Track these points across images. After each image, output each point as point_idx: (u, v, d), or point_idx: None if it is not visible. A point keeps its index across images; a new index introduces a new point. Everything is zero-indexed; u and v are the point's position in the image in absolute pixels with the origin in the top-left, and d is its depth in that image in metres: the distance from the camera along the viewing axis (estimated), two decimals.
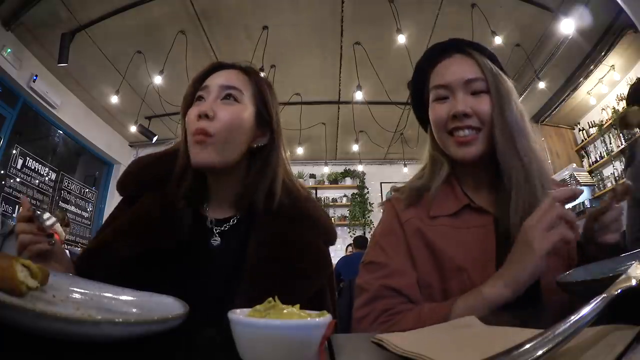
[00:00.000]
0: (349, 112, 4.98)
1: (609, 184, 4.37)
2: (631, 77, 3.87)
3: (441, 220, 0.73)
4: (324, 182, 6.64)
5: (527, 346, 0.26)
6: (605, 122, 4.43)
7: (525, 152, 0.70)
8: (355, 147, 5.75)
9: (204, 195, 0.81)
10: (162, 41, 3.84)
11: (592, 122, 4.74)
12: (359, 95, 4.21)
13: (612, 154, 4.33)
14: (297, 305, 0.36)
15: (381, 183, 6.59)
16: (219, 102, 0.74)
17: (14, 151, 4.01)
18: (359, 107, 4.71)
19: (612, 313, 0.31)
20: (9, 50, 3.54)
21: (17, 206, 3.91)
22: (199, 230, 0.76)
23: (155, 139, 5.04)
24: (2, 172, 3.86)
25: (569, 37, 3.58)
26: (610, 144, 4.42)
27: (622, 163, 4.04)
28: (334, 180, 6.66)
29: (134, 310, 0.50)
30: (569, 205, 0.60)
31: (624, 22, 3.31)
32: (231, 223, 0.78)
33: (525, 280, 0.56)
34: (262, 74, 0.88)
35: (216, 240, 0.76)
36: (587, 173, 4.72)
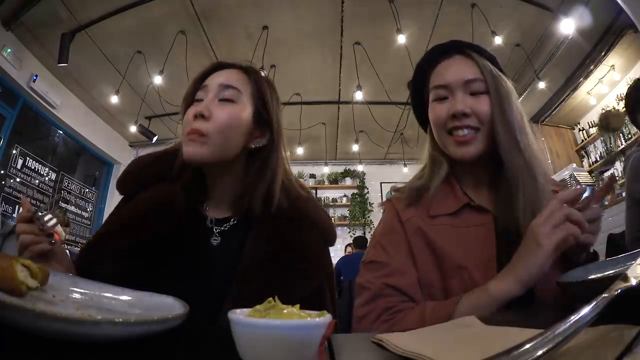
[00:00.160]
0: (349, 112, 4.98)
1: None
2: (631, 77, 3.87)
3: (441, 219, 0.74)
4: (324, 182, 6.64)
5: (527, 346, 0.26)
6: None
7: (526, 149, 0.71)
8: (355, 147, 5.76)
9: (203, 194, 0.81)
10: (162, 41, 3.84)
11: (592, 122, 4.74)
12: (359, 95, 4.21)
13: (612, 154, 4.33)
14: (297, 305, 0.36)
15: (381, 183, 6.59)
16: (216, 102, 0.74)
17: (14, 151, 4.01)
18: (359, 107, 4.72)
19: (612, 313, 0.31)
20: (9, 50, 3.54)
21: (17, 206, 3.91)
22: (199, 230, 0.76)
23: (155, 139, 5.05)
24: (2, 172, 3.86)
25: (569, 37, 3.58)
26: (611, 144, 4.42)
27: (621, 163, 4.04)
28: (334, 180, 6.66)
29: (134, 310, 0.50)
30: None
31: (624, 22, 3.31)
32: (231, 223, 0.78)
33: (533, 276, 0.56)
34: (263, 74, 0.87)
35: (216, 240, 0.76)
36: (587, 173, 4.72)
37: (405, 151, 5.79)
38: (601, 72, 4.09)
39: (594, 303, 0.31)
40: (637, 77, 3.69)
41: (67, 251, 0.73)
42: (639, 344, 0.27)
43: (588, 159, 4.90)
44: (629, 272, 0.35)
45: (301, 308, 0.36)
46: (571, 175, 4.46)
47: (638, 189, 1.55)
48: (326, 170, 6.50)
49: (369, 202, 6.44)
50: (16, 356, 0.33)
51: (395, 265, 0.72)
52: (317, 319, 0.33)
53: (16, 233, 0.65)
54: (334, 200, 6.54)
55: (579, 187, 0.65)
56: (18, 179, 4.06)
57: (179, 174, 0.77)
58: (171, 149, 0.82)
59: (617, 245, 1.60)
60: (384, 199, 0.92)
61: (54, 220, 0.66)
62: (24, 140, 4.14)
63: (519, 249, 0.60)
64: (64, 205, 4.82)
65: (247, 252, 0.72)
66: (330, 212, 6.39)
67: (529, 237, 0.58)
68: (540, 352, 0.26)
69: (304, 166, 6.42)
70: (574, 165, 4.76)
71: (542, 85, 4.20)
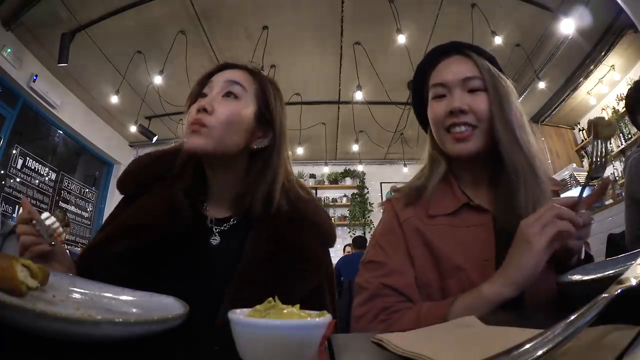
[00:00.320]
0: (349, 112, 4.97)
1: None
2: (631, 77, 3.86)
3: (440, 219, 0.74)
4: (324, 182, 6.64)
5: (527, 346, 0.26)
6: None
7: (527, 147, 0.71)
8: (355, 147, 5.75)
9: (204, 193, 0.81)
10: (162, 41, 3.84)
11: None
12: (359, 95, 4.21)
13: (612, 153, 4.32)
14: (297, 305, 0.36)
15: (381, 183, 6.59)
16: (220, 98, 0.75)
17: (14, 151, 4.01)
18: (359, 107, 4.71)
19: (612, 313, 0.31)
20: (9, 50, 3.54)
21: (17, 206, 3.91)
22: (199, 229, 0.76)
23: (155, 139, 5.05)
24: (2, 172, 3.86)
25: (569, 37, 3.58)
26: (611, 144, 4.42)
27: (621, 163, 4.04)
28: (334, 180, 6.66)
29: (134, 310, 0.50)
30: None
31: (624, 22, 3.31)
32: (231, 223, 0.78)
33: (526, 277, 0.56)
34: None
35: (216, 240, 0.76)
36: (587, 173, 4.71)
37: (405, 151, 5.78)
38: (601, 72, 4.09)
39: (594, 303, 0.31)
40: (637, 77, 3.69)
41: (67, 251, 0.73)
42: (639, 344, 0.27)
43: (588, 159, 4.90)
44: (629, 272, 0.35)
45: (301, 308, 0.36)
46: (571, 175, 4.46)
47: (638, 189, 1.55)
48: (326, 170, 6.50)
49: (369, 202, 6.43)
50: (16, 356, 0.33)
51: (393, 265, 0.72)
52: (317, 319, 0.33)
53: (17, 234, 0.65)
54: (334, 200, 6.54)
55: (603, 178, 0.64)
56: (18, 179, 4.06)
57: (180, 174, 0.77)
58: (171, 149, 0.82)
59: (617, 245, 1.60)
60: (384, 199, 0.92)
61: (56, 224, 0.66)
62: (24, 140, 4.14)
63: (510, 250, 0.59)
64: (64, 205, 4.82)
65: (247, 252, 0.72)
66: (330, 212, 6.39)
67: (519, 238, 0.58)
68: (540, 352, 0.26)
69: (304, 166, 6.42)
70: (574, 165, 4.76)
71: (542, 85, 4.20)
